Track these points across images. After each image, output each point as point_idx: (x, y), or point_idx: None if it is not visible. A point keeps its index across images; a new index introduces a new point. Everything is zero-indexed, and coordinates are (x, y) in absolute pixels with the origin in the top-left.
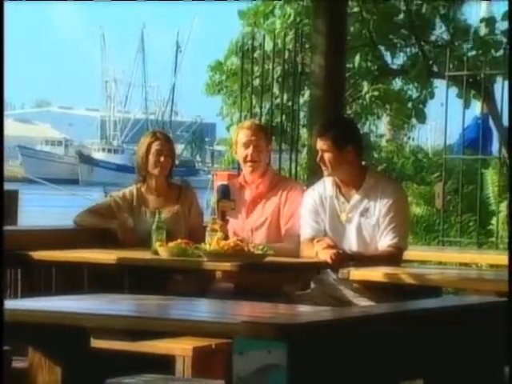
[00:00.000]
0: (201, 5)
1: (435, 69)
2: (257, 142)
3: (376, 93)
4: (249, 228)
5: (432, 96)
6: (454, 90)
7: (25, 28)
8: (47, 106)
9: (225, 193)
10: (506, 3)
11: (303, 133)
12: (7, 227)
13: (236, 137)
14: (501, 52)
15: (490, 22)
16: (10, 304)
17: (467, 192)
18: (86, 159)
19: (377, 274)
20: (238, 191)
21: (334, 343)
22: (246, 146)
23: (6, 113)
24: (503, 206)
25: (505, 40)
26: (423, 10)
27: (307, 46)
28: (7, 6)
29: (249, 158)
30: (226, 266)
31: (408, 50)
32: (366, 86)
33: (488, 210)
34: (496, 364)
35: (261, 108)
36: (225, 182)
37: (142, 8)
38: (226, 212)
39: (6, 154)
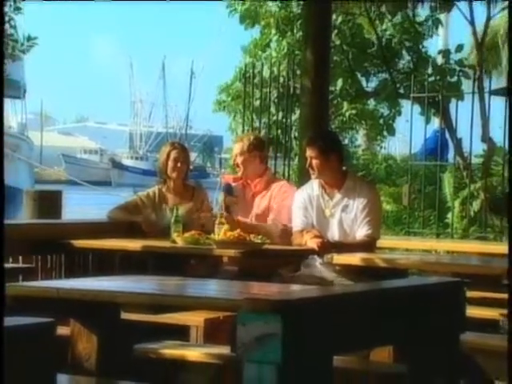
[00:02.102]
0: (212, 39)
1: (402, 91)
2: (240, 151)
3: (354, 111)
4: (249, 218)
5: (399, 113)
6: (417, 109)
7: (69, 58)
8: (85, 122)
9: (229, 191)
10: (459, 39)
11: (295, 144)
12: (53, 220)
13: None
14: (455, 78)
15: (445, 53)
16: (54, 284)
17: (428, 192)
18: (117, 165)
19: (355, 258)
20: (242, 189)
21: (320, 316)
22: (234, 155)
23: (51, 127)
24: (457, 203)
25: (458, 68)
26: (392, 44)
27: (298, 72)
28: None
29: (235, 165)
30: (232, 252)
31: (379, 75)
32: (345, 105)
33: (445, 206)
34: (452, 332)
35: (260, 124)
36: (228, 182)
37: (163, 41)
38: (230, 206)
39: (52, 161)
